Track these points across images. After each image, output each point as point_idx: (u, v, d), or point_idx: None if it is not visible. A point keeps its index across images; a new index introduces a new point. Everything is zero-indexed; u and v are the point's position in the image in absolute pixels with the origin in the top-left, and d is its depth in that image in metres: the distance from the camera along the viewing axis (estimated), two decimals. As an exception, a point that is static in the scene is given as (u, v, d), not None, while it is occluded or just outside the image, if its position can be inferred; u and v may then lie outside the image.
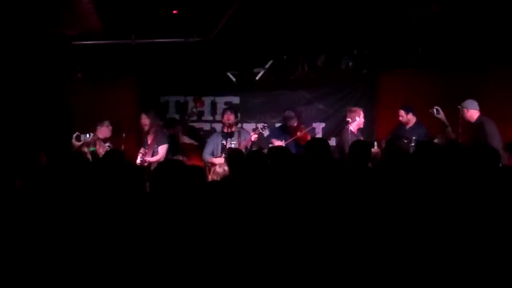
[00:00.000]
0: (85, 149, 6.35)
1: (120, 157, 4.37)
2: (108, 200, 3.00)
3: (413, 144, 6.07)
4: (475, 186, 3.11)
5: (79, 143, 6.42)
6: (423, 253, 2.68)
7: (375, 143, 6.60)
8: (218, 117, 7.74)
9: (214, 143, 6.84)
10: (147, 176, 4.39)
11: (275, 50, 7.65)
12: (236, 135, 6.76)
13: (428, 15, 5.99)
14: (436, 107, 6.42)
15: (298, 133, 7.04)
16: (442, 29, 6.61)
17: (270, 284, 2.60)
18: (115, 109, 7.61)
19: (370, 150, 4.77)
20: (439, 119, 6.43)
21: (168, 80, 8.01)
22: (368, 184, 3.46)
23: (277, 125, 7.66)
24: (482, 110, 6.28)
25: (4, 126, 7.05)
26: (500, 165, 3.61)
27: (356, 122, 6.77)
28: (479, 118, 6.23)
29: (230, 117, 6.75)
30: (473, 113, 6.27)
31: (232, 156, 4.98)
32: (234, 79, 7.94)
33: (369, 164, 4.62)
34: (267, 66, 7.81)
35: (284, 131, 7.29)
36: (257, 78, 7.89)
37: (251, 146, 6.62)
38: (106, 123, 6.89)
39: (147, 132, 6.81)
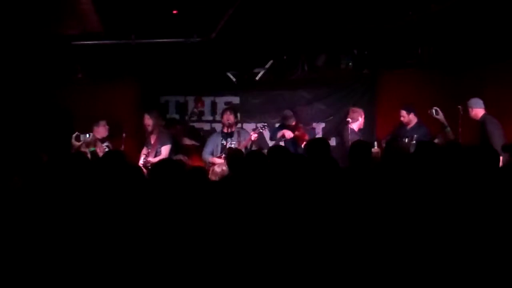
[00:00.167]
0: (85, 149, 6.34)
1: (120, 158, 4.37)
2: (108, 200, 3.01)
3: (414, 142, 6.07)
4: (475, 186, 3.11)
5: (79, 143, 6.41)
6: (423, 252, 2.69)
7: (375, 143, 6.59)
8: (218, 117, 7.73)
9: (213, 143, 6.84)
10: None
11: (275, 50, 7.64)
12: (236, 135, 6.76)
13: (428, 15, 5.98)
14: (435, 108, 6.44)
15: (296, 132, 7.05)
16: (442, 29, 6.61)
17: (270, 284, 2.60)
18: (115, 109, 7.58)
19: (371, 150, 4.77)
20: (438, 120, 6.44)
21: (168, 80, 7.99)
22: (368, 184, 3.47)
23: (277, 125, 7.66)
24: (483, 110, 6.31)
25: (4, 126, 7.06)
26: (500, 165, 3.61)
27: (358, 122, 6.84)
28: (483, 116, 6.27)
29: (229, 117, 6.75)
30: (478, 111, 6.29)
31: (231, 156, 4.96)
32: (234, 79, 7.94)
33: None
34: (267, 66, 7.81)
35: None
36: (257, 78, 7.89)
37: (251, 146, 6.62)
38: (103, 123, 6.88)
39: (150, 133, 6.80)
